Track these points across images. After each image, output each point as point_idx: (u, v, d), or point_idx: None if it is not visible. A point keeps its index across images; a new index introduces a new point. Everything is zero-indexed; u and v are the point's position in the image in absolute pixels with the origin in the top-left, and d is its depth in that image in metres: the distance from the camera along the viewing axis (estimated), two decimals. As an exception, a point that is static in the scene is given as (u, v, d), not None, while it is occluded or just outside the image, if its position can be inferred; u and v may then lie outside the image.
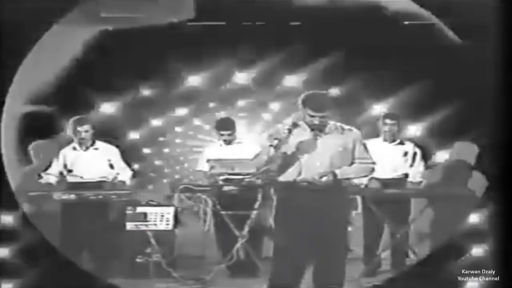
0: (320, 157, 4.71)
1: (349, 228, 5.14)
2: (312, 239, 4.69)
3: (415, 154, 6.94)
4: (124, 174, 6.83)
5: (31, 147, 7.58)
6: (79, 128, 6.68)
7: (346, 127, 4.87)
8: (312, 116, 4.71)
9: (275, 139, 4.62)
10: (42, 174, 6.73)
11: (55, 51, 7.97)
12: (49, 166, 6.79)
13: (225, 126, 6.93)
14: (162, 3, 8.13)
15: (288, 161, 4.70)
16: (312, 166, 4.71)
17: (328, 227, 4.70)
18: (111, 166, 6.78)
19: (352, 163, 4.83)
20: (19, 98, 7.57)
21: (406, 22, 8.34)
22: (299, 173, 4.71)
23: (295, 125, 4.70)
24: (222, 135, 6.92)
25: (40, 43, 6.86)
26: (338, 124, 4.86)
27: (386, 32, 8.20)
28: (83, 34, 8.31)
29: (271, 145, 4.59)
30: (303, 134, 4.74)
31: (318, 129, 4.71)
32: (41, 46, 7.01)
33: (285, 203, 4.80)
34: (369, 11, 8.17)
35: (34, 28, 6.61)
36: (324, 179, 4.68)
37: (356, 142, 4.86)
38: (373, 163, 4.94)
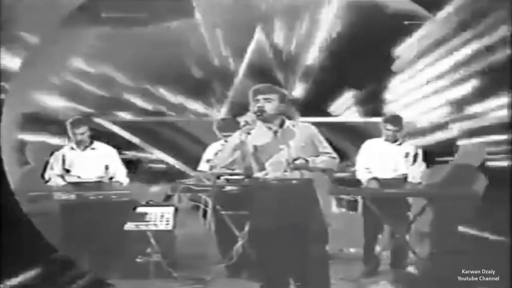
0: (286, 155, 4.71)
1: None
2: (289, 245, 4.68)
3: (416, 155, 6.93)
4: (120, 174, 6.83)
5: (27, 148, 7.58)
6: (75, 130, 6.69)
7: (301, 124, 4.88)
8: (256, 101, 4.71)
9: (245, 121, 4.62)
10: (46, 176, 6.72)
11: (56, 51, 7.97)
12: (47, 167, 6.78)
13: (227, 127, 6.92)
14: (162, 3, 8.14)
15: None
16: (278, 165, 4.71)
17: (303, 228, 4.69)
18: (106, 167, 6.78)
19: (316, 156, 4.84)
20: (18, 98, 7.56)
21: (406, 22, 8.38)
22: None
23: (247, 122, 4.66)
24: (224, 136, 6.91)
25: (41, 43, 6.87)
26: (293, 121, 4.87)
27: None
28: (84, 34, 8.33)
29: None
30: (261, 133, 4.73)
31: (260, 114, 4.67)
32: (41, 46, 7.02)
33: (257, 206, 4.80)
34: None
35: (35, 28, 6.61)
36: (298, 161, 4.67)
37: (315, 137, 4.86)
38: (336, 157, 4.93)
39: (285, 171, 4.73)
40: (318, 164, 4.80)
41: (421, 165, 6.92)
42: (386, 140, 6.93)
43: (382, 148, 6.92)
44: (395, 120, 6.92)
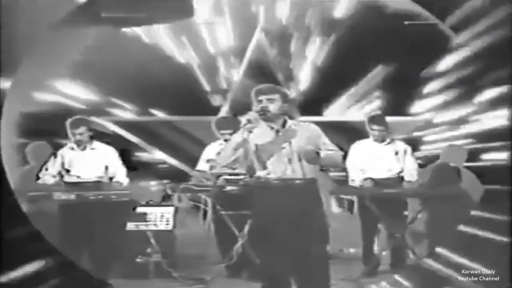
0: (288, 154, 4.70)
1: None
2: (291, 245, 4.66)
3: (405, 151, 6.93)
4: (120, 174, 6.83)
5: (27, 149, 7.57)
6: (74, 131, 6.69)
7: (303, 124, 4.87)
8: (259, 101, 4.71)
9: (247, 120, 4.62)
10: (40, 175, 6.73)
11: (55, 51, 7.97)
12: (44, 166, 6.77)
13: (226, 125, 6.91)
14: (162, 3, 8.14)
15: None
16: (280, 164, 4.70)
17: (305, 228, 4.68)
18: (106, 167, 6.78)
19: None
20: (18, 98, 7.56)
21: (406, 22, 8.39)
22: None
23: (249, 121, 4.64)
24: (223, 134, 6.91)
25: (40, 43, 6.87)
26: (295, 121, 4.86)
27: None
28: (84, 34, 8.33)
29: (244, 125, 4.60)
30: (263, 132, 4.74)
31: (263, 114, 4.67)
32: (41, 46, 7.02)
33: (259, 206, 4.80)
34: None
35: (34, 28, 6.61)
36: (308, 148, 4.65)
37: (318, 137, 4.83)
38: (342, 154, 4.94)
39: (287, 171, 4.72)
40: (329, 154, 4.76)
41: (412, 161, 6.93)
42: (375, 140, 6.92)
43: (371, 150, 6.91)
44: (379, 119, 6.92)
